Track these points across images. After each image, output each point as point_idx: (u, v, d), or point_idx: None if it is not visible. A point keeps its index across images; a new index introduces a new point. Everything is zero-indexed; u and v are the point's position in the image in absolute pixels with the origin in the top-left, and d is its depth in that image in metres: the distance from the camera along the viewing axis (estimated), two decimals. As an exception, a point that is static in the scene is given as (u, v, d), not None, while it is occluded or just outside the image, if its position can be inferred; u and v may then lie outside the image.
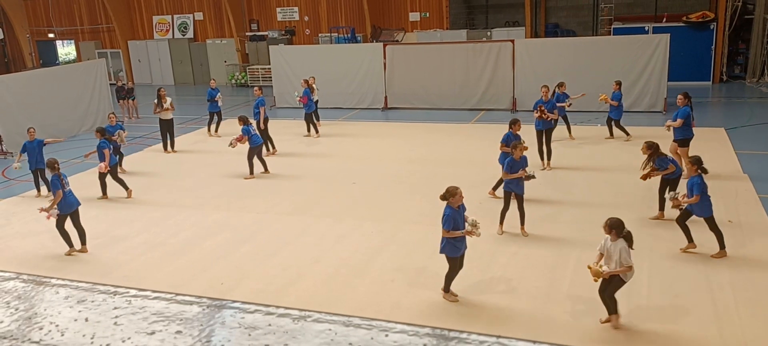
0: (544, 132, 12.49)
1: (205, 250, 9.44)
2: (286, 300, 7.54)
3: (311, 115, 16.71)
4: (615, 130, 14.69)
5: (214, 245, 9.61)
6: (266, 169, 13.24)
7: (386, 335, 0.99)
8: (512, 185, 9.21)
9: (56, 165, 9.50)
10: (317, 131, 16.78)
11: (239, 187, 12.62)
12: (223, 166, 14.09)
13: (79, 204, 9.47)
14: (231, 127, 15.78)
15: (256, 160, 13.10)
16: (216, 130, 17.32)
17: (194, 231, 10.22)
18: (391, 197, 11.43)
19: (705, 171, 8.20)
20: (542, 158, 12.48)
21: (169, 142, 15.76)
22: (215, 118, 17.35)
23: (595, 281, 6.54)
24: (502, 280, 8.01)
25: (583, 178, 11.95)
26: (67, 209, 9.25)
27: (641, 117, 16.93)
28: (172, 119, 15.77)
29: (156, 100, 15.78)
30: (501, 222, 9.37)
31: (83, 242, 9.46)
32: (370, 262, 8.72)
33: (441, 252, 7.33)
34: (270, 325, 1.04)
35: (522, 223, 9.34)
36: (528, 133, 12.24)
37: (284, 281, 8.24)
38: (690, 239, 8.38)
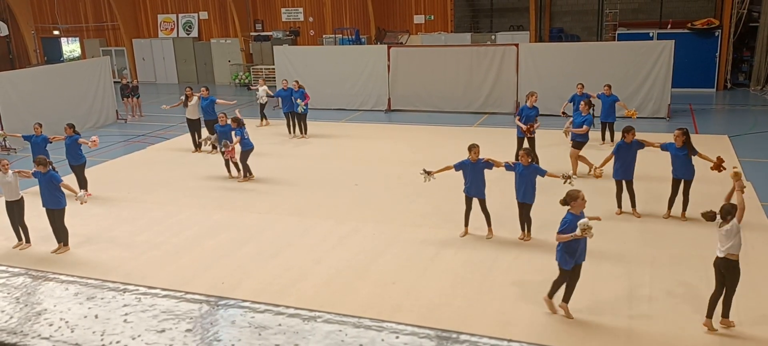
0: (527, 139, 12.54)
1: (207, 249, 9.45)
2: (287, 300, 7.57)
3: (304, 116, 16.64)
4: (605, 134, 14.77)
5: (216, 244, 9.62)
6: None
7: (396, 337, 0.97)
8: (473, 191, 9.29)
9: (47, 161, 9.42)
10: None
11: (242, 187, 12.63)
12: (222, 165, 14.08)
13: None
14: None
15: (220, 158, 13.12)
16: (303, 131, 16.77)
17: (196, 230, 10.24)
18: (393, 199, 11.43)
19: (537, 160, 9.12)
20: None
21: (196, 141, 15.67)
22: (293, 119, 16.71)
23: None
24: (503, 284, 8.01)
25: (582, 184, 11.92)
26: (62, 203, 9.32)
27: (645, 123, 16.89)
28: (198, 119, 15.62)
29: (183, 98, 15.68)
30: (465, 224, 9.51)
31: (26, 238, 9.70)
32: (371, 263, 8.72)
33: (557, 260, 7.03)
34: (280, 325, 1.02)
35: (488, 225, 9.44)
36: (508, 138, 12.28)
37: (286, 282, 8.27)
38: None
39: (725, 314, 6.66)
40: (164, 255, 9.32)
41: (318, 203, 11.43)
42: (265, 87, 18.02)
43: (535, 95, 12.84)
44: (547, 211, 10.39)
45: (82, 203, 9.31)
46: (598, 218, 7.63)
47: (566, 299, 7.05)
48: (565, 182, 9.05)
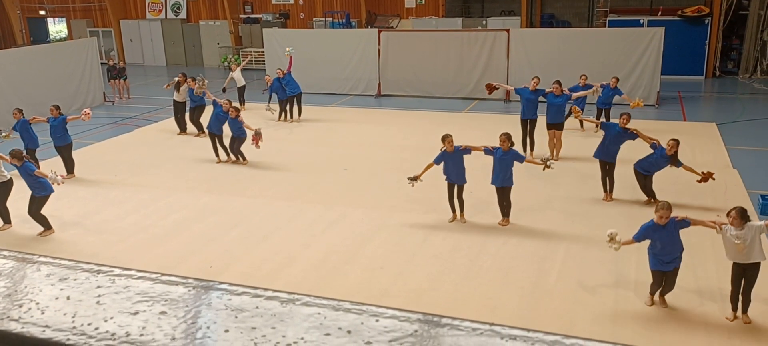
0: (529, 122, 12.56)
1: (195, 233, 9.41)
2: (275, 285, 7.55)
3: (299, 97, 16.55)
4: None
5: (204, 228, 9.58)
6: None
7: (377, 320, 0.95)
8: (454, 178, 9.36)
9: (22, 154, 9.29)
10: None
11: (231, 170, 12.56)
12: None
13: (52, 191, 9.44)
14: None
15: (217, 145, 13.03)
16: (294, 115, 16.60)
17: (185, 214, 10.18)
18: (382, 184, 11.41)
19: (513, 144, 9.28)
20: (525, 149, 12.52)
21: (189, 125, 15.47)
22: (287, 103, 16.48)
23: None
24: (491, 269, 8.04)
25: (572, 168, 11.98)
26: (48, 190, 9.24)
27: (634, 110, 16.92)
28: (185, 103, 15.41)
29: (175, 80, 15.49)
30: (452, 210, 9.59)
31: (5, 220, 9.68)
32: (360, 248, 8.72)
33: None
34: (257, 307, 1.01)
35: (461, 210, 9.54)
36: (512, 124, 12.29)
37: (274, 266, 8.25)
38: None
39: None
40: (151, 239, 9.26)
41: (307, 187, 11.39)
42: (239, 70, 17.86)
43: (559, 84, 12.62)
44: (536, 196, 10.44)
45: (57, 185, 9.22)
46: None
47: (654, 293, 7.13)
48: (544, 169, 9.14)
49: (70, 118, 11.93)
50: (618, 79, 14.69)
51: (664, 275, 6.90)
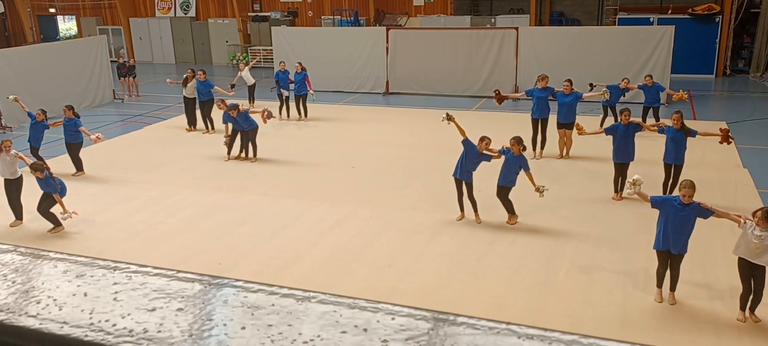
0: (540, 121, 12.48)
1: (203, 230, 9.44)
2: (283, 282, 7.56)
3: (304, 98, 16.58)
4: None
5: (212, 225, 9.61)
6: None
7: (392, 318, 0.95)
8: (462, 175, 9.36)
9: (44, 166, 9.33)
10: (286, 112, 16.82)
11: (239, 168, 12.60)
12: (223, 147, 14.03)
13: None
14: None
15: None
16: (289, 114, 16.67)
17: (192, 211, 10.21)
18: (389, 183, 11.41)
19: (525, 148, 9.23)
20: (535, 147, 12.45)
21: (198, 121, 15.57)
22: (287, 100, 16.54)
23: None
24: (499, 268, 8.02)
25: (581, 168, 11.93)
26: (63, 193, 9.30)
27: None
28: (195, 98, 15.46)
29: (184, 77, 15.58)
30: (461, 209, 9.55)
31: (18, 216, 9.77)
32: (367, 247, 8.73)
33: None
34: (273, 305, 1.01)
35: (474, 211, 9.47)
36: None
37: (282, 263, 8.27)
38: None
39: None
40: (160, 235, 9.30)
41: (314, 185, 11.41)
42: (247, 69, 17.86)
43: (570, 82, 12.51)
44: (544, 195, 10.38)
45: (65, 219, 9.31)
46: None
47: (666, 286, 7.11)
48: (536, 191, 9.11)
49: (81, 129, 11.95)
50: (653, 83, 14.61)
51: (669, 257, 6.89)
